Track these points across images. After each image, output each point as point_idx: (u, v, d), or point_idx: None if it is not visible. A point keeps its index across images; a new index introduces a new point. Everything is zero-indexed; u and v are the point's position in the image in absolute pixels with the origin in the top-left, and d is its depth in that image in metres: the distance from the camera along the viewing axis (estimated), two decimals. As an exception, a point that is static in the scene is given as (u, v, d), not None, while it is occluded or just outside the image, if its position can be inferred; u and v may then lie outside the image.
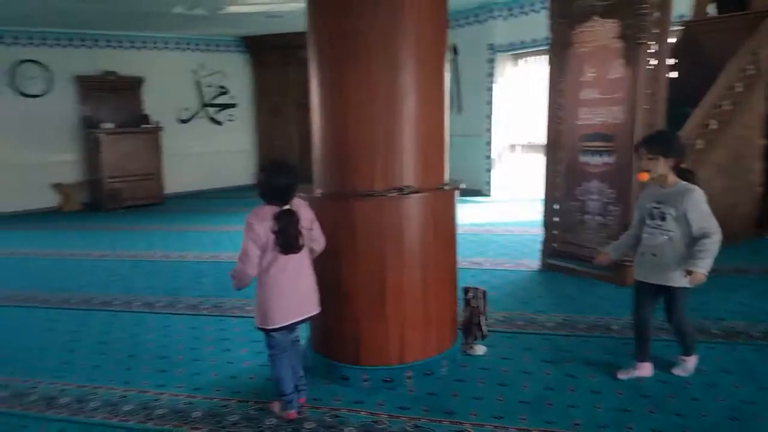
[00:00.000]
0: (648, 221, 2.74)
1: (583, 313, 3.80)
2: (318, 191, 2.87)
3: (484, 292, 3.25)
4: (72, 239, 6.75)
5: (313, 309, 2.60)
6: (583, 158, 4.55)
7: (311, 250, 2.60)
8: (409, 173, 2.75)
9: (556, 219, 4.88)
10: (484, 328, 3.22)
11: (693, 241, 2.58)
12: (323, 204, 2.82)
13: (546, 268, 4.90)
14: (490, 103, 9.24)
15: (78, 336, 3.66)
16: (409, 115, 2.70)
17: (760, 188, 5.49)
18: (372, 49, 2.63)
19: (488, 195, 9.29)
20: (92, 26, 8.81)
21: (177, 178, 9.98)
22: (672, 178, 2.65)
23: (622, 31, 3.91)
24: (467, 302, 3.23)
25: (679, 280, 2.63)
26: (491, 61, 9.07)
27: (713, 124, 4.61)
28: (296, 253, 2.44)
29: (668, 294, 2.72)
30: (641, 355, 2.84)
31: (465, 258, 5.39)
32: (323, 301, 2.93)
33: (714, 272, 2.58)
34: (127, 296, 4.49)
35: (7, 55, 8.42)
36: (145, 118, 9.43)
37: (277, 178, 2.40)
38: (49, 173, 8.75)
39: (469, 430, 2.43)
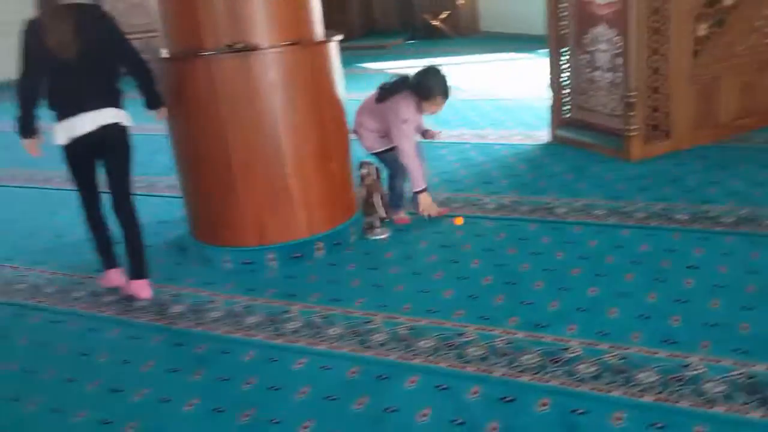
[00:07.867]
0: None
1: (541, 194, 3.99)
2: (162, 53, 3.31)
3: (377, 169, 3.58)
4: None
5: None
6: (587, -8, 4.45)
7: None
8: (252, 27, 3.07)
9: (565, 78, 4.89)
10: (380, 209, 3.59)
11: None
12: (167, 68, 3.27)
13: (556, 140, 5.01)
14: None
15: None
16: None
17: None
18: None
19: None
20: None
21: None
22: None
23: None
24: (361, 179, 3.59)
25: None
26: None
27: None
28: None
29: None
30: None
31: (470, 130, 5.64)
32: (186, 176, 3.49)
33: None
34: None
35: None
36: None
37: None
38: None
39: (293, 311, 2.93)
